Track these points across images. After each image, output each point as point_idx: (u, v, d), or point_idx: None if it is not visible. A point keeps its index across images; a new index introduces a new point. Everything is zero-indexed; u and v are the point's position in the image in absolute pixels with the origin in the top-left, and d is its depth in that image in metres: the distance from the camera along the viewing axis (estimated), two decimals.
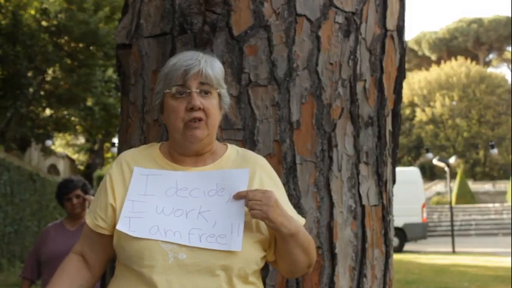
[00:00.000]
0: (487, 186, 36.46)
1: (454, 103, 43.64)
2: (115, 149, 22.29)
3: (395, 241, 17.33)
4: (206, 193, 1.57)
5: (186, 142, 1.60)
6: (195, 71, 1.58)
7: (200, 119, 1.57)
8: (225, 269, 1.49)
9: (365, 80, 2.19)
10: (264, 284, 1.96)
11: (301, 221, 1.66)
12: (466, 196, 32.64)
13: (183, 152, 1.63)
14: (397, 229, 17.20)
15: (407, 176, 17.08)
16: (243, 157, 1.68)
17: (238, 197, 1.55)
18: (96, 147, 28.02)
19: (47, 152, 21.48)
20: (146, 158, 1.65)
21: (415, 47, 53.56)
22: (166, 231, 1.49)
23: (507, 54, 53.79)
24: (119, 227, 1.52)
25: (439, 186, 35.20)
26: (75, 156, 30.74)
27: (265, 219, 1.50)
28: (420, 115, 43.39)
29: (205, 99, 1.58)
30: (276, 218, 1.50)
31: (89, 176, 24.33)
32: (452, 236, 18.44)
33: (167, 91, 1.60)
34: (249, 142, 2.01)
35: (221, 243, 1.49)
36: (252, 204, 1.50)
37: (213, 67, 1.61)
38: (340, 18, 2.14)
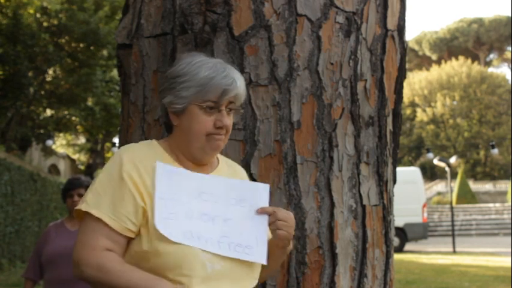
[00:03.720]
0: (487, 186, 36.45)
1: (454, 103, 43.66)
2: (116, 149, 22.29)
3: (396, 241, 17.35)
4: (227, 200, 1.56)
5: (203, 152, 1.59)
6: (233, 94, 1.58)
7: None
8: (253, 280, 1.55)
9: (366, 80, 2.19)
10: (265, 284, 1.96)
11: None
12: (466, 196, 32.64)
13: (192, 159, 1.61)
14: (397, 229, 17.21)
15: (407, 176, 17.10)
16: (231, 167, 1.72)
17: (262, 212, 1.57)
18: (98, 147, 28.04)
19: (48, 152, 21.50)
20: (153, 158, 1.58)
21: (416, 47, 53.57)
22: (199, 237, 1.47)
23: (508, 54, 53.79)
24: (160, 227, 1.45)
25: (439, 186, 35.21)
26: (75, 156, 30.75)
27: (287, 240, 1.58)
28: (421, 115, 43.41)
29: (229, 116, 1.60)
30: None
31: (90, 176, 24.34)
32: (453, 236, 18.44)
33: (200, 104, 1.57)
34: (250, 142, 2.01)
35: (249, 254, 1.51)
36: (281, 225, 1.55)
37: (242, 85, 1.62)
38: (340, 18, 2.13)
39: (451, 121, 42.92)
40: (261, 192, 1.61)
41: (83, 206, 1.52)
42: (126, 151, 1.60)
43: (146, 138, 2.14)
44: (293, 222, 1.57)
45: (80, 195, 3.65)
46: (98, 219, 1.49)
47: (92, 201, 1.52)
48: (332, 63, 2.10)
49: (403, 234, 18.01)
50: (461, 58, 46.49)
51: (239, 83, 1.59)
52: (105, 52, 16.62)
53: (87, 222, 1.52)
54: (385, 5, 2.27)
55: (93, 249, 1.48)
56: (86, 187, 3.67)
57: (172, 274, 1.45)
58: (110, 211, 1.50)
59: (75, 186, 3.65)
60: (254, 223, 1.55)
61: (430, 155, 26.83)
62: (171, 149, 1.63)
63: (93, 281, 1.47)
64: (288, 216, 1.57)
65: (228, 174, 1.67)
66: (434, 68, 46.88)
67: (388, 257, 2.25)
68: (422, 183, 18.99)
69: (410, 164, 39.38)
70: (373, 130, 2.21)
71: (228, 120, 1.58)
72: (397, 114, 2.39)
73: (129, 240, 1.51)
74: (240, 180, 1.64)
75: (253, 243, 1.52)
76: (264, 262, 1.52)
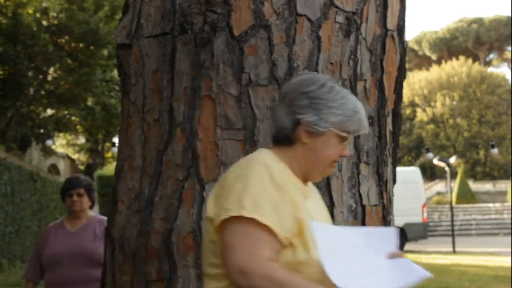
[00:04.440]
0: (487, 186, 36.44)
1: (454, 103, 43.66)
2: (115, 149, 22.31)
3: None
4: (371, 250, 1.59)
5: (321, 175, 1.68)
6: (365, 130, 1.70)
7: None
8: None
9: (365, 80, 2.19)
10: None
11: None
12: (466, 196, 32.62)
13: (304, 176, 1.64)
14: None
15: (407, 175, 17.07)
16: (309, 182, 1.75)
17: (393, 257, 1.61)
18: (99, 147, 28.06)
19: (48, 151, 21.49)
20: (284, 172, 1.59)
21: (416, 47, 53.56)
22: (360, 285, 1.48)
23: (507, 54, 53.79)
24: (337, 282, 1.43)
25: (439, 186, 35.19)
26: (75, 156, 30.75)
27: None
28: (421, 115, 43.40)
29: None
30: None
31: (90, 176, 24.32)
32: (453, 235, 18.44)
33: (339, 133, 1.62)
34: (249, 142, 2.01)
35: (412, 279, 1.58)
36: None
37: None
38: (340, 18, 2.13)
39: (450, 121, 42.92)
40: (392, 236, 1.67)
41: (244, 212, 1.45)
42: (267, 159, 1.58)
43: (146, 138, 2.14)
44: None
45: (80, 195, 3.63)
46: (262, 227, 1.45)
47: (251, 207, 1.46)
48: (332, 63, 2.10)
49: (403, 234, 18.00)
50: (461, 58, 46.49)
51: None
52: (105, 52, 16.62)
53: (248, 228, 1.45)
54: (384, 5, 2.27)
55: (261, 259, 1.43)
56: (85, 186, 3.65)
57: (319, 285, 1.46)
58: (276, 220, 1.47)
59: (75, 186, 3.63)
60: (396, 265, 1.59)
61: (430, 155, 26.82)
62: (288, 162, 1.62)
63: None
64: None
65: (311, 190, 1.72)
66: (434, 68, 46.87)
67: None
68: (422, 183, 18.97)
69: (410, 163, 39.37)
70: (373, 130, 2.21)
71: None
72: (396, 114, 2.39)
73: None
74: (373, 227, 1.79)
75: (409, 274, 1.57)
76: (429, 274, 1.57)
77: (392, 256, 1.60)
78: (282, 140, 1.66)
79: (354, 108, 1.63)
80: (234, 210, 1.46)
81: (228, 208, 1.47)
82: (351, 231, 1.65)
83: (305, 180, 1.66)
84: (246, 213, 1.45)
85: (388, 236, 1.66)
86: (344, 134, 1.62)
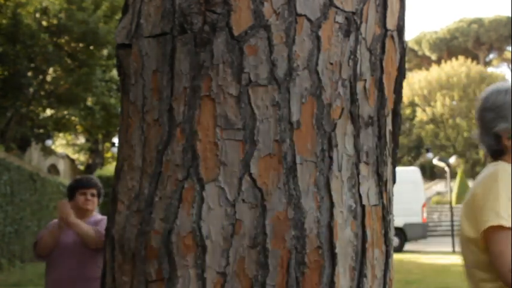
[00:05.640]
0: None
1: (454, 103, 43.71)
2: (115, 149, 22.32)
3: (395, 241, 17.35)
4: None
5: None
6: None
7: None
8: None
9: (365, 80, 2.19)
10: (264, 283, 1.96)
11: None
12: (466, 196, 32.61)
13: None
14: (397, 229, 17.22)
15: (407, 175, 17.11)
16: None
17: None
18: (100, 147, 28.09)
19: (47, 151, 21.51)
20: None
21: (416, 47, 53.61)
22: None
23: (507, 54, 53.83)
24: None
25: (439, 186, 35.23)
26: (75, 156, 30.77)
27: None
28: (420, 115, 43.47)
29: None
30: None
31: None
32: (453, 235, 18.46)
33: None
34: (249, 142, 2.01)
35: None
36: None
37: None
38: (340, 18, 2.13)
39: (450, 121, 42.97)
40: None
41: (502, 221, 1.57)
42: (507, 166, 1.72)
43: (146, 138, 2.13)
44: None
45: (93, 195, 3.64)
46: None
47: (507, 217, 1.58)
48: (331, 63, 2.10)
49: (403, 234, 18.02)
50: (460, 58, 46.55)
51: None
52: (104, 52, 16.67)
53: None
54: (384, 5, 2.27)
55: None
56: (98, 189, 3.68)
57: None
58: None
59: (91, 185, 3.64)
60: None
61: (430, 155, 26.86)
62: None
63: None
64: None
65: None
66: (434, 68, 46.93)
67: (387, 256, 2.25)
68: (422, 183, 19.01)
69: (410, 163, 39.42)
70: (373, 130, 2.21)
71: None
72: (396, 114, 2.38)
73: None
74: None
75: None
76: None
77: None
78: (496, 154, 1.80)
79: None
80: (491, 220, 1.60)
81: (486, 220, 1.61)
82: None
83: None
84: (504, 223, 1.58)
85: None
86: None
